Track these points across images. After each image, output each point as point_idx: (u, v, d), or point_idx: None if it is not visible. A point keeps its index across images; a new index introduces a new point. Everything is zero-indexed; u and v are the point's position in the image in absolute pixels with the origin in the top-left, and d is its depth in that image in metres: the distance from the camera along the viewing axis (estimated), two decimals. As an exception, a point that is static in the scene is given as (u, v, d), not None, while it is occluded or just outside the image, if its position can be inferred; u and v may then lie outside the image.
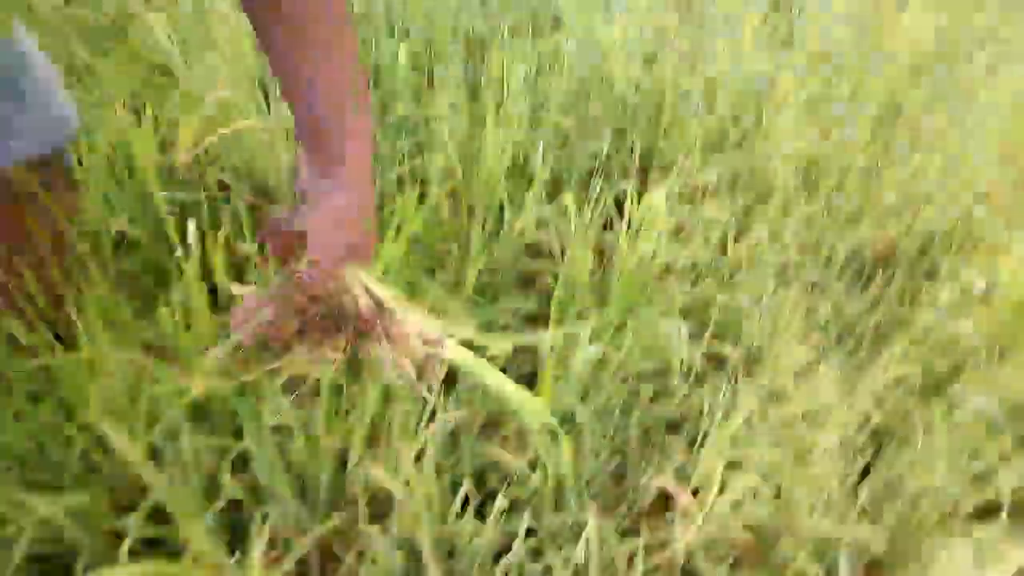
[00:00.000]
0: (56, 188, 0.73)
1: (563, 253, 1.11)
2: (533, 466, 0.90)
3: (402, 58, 1.13)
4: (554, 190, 1.30)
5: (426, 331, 0.57)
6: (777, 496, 0.87)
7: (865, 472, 0.96)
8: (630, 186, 1.18)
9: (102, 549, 0.75)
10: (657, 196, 1.06)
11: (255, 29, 0.53)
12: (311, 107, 0.54)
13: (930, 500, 0.88)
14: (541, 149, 1.20)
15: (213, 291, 0.93)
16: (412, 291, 1.02)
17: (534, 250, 1.15)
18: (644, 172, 1.37)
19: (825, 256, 1.28)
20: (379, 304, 0.57)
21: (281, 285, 0.55)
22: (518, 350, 0.96)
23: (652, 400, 1.00)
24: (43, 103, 0.69)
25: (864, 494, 0.88)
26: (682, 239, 1.14)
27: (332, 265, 0.56)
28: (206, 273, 0.84)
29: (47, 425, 0.73)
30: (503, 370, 0.98)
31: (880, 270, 1.29)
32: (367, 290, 0.57)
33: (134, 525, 0.72)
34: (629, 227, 1.05)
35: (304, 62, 0.52)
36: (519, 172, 1.14)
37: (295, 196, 0.54)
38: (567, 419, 0.89)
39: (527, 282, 1.18)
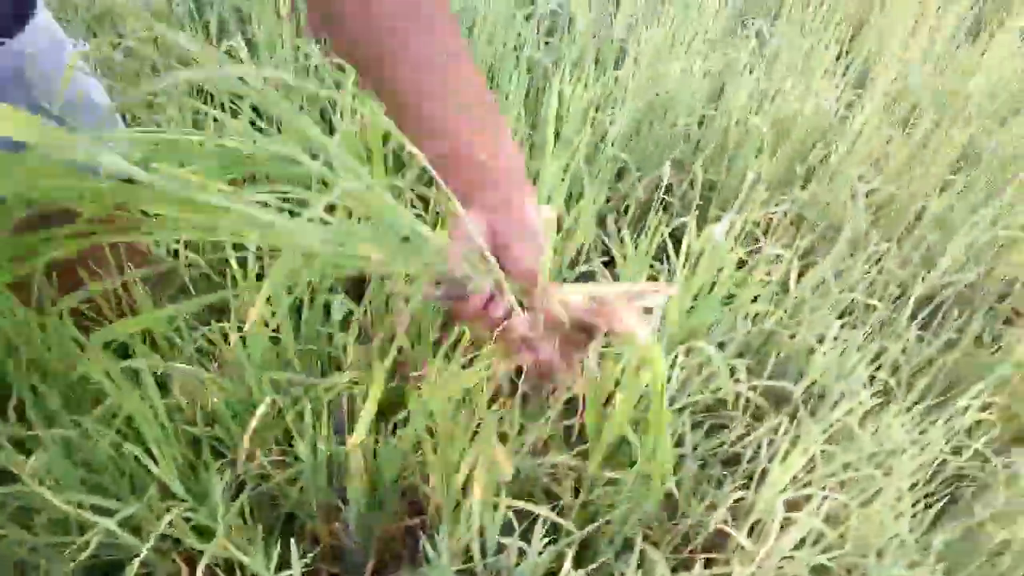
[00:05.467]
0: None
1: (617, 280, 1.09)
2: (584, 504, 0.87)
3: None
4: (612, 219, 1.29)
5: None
6: (842, 539, 0.82)
7: (936, 520, 0.90)
8: (691, 219, 1.16)
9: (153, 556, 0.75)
10: (717, 228, 1.04)
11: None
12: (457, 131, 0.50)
13: (1014, 554, 0.81)
14: (598, 178, 1.20)
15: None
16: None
17: (589, 278, 1.13)
18: (704, 207, 1.35)
19: (895, 297, 1.22)
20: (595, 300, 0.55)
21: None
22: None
23: (708, 435, 0.96)
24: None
25: (938, 541, 0.82)
26: (743, 274, 1.11)
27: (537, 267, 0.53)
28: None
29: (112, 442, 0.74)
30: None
31: (956, 314, 1.22)
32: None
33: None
34: (687, 257, 1.03)
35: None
36: (575, 201, 1.13)
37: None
38: (622, 445, 0.86)
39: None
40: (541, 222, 0.52)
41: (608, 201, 1.30)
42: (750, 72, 1.52)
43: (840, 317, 1.14)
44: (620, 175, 1.34)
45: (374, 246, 0.47)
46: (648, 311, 0.54)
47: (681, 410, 0.93)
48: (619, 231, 1.24)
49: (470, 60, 0.51)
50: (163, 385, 0.78)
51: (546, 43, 1.55)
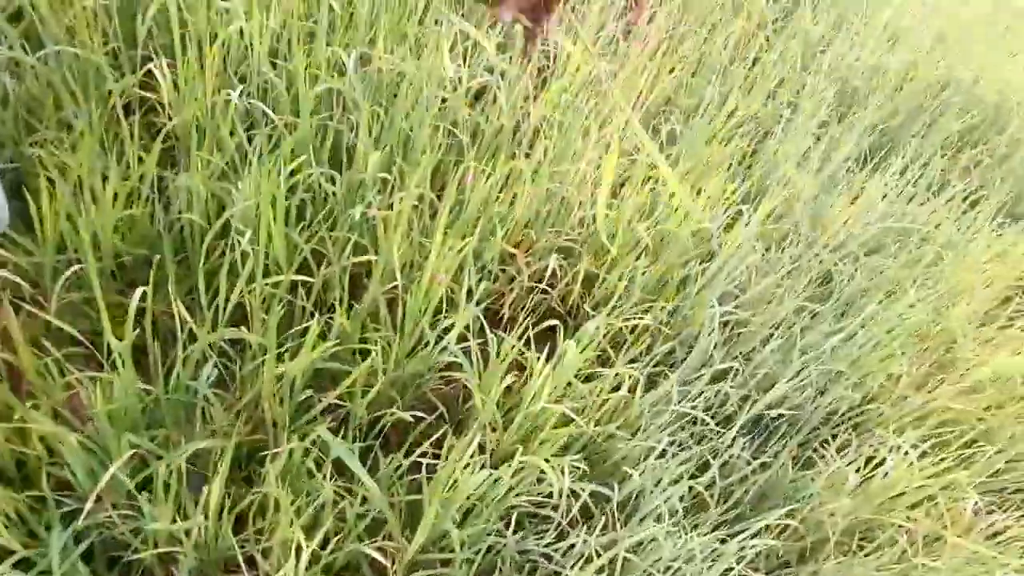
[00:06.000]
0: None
1: (482, 372, 1.18)
2: None
3: (372, 160, 1.22)
4: (492, 304, 1.39)
5: None
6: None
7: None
8: (558, 323, 1.27)
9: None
10: (580, 335, 1.15)
11: None
12: None
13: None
14: (484, 263, 1.29)
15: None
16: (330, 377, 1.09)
17: (457, 366, 1.22)
18: (581, 301, 1.46)
19: (731, 412, 1.36)
20: None
21: None
22: (412, 466, 1.03)
23: (535, 522, 1.07)
24: None
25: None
26: (597, 379, 1.22)
27: None
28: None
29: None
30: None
31: (783, 432, 1.37)
32: None
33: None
34: (547, 361, 1.13)
35: None
36: (460, 285, 1.22)
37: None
38: (442, 538, 0.95)
39: (445, 389, 1.26)
40: None
41: (495, 281, 1.39)
42: (649, 176, 1.64)
43: (679, 428, 1.27)
44: (513, 256, 1.44)
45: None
46: None
47: (512, 508, 1.03)
48: (500, 317, 1.34)
49: None
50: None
51: (467, 115, 1.63)
